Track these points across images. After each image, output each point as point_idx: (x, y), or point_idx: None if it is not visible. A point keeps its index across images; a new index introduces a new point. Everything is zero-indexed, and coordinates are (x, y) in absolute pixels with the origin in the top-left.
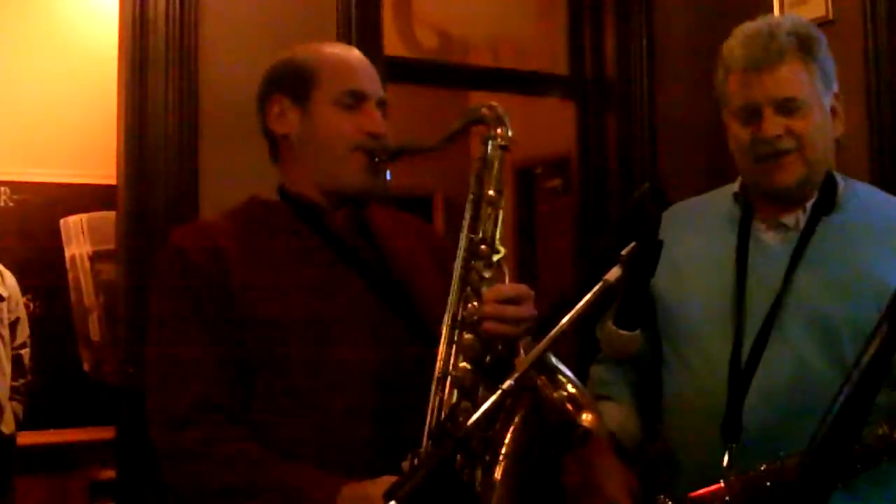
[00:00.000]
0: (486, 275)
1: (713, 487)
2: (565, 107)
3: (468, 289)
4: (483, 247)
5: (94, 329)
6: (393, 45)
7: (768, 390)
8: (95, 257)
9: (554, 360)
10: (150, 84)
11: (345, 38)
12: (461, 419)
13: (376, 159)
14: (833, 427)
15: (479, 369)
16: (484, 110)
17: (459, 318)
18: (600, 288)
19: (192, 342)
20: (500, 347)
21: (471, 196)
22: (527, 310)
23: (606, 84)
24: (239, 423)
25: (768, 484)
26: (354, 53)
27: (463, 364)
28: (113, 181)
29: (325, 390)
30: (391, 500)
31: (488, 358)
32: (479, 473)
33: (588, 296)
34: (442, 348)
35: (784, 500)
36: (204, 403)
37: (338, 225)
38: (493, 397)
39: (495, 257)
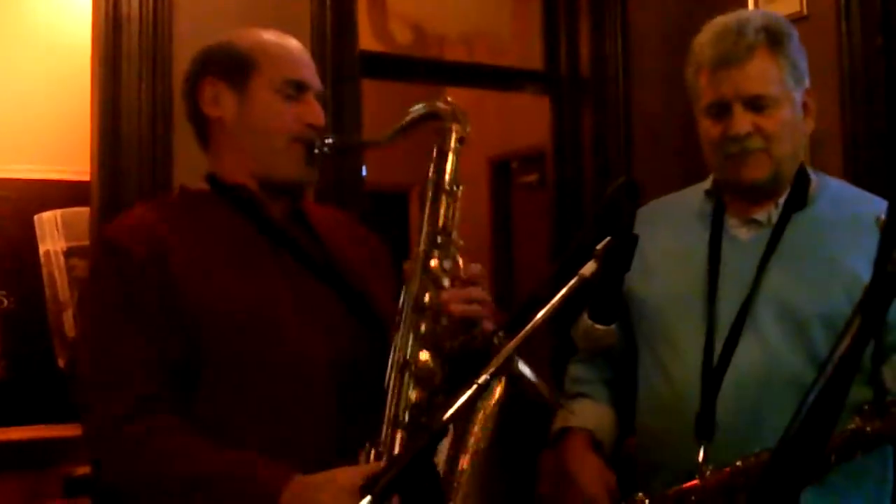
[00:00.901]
0: (447, 265)
1: (689, 484)
2: (540, 102)
3: (428, 277)
4: (441, 238)
5: (69, 325)
6: (367, 39)
7: (741, 386)
8: (69, 253)
9: (525, 368)
10: (124, 80)
11: (319, 33)
12: (437, 412)
13: (316, 151)
14: (806, 421)
15: (439, 357)
16: (439, 105)
17: (421, 305)
18: (575, 283)
19: (131, 340)
20: (460, 336)
21: (430, 188)
22: (483, 289)
23: (581, 79)
24: (183, 418)
25: (743, 480)
26: (294, 43)
27: (423, 353)
28: (87, 177)
29: (278, 384)
30: (367, 493)
31: (448, 346)
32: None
33: (563, 290)
34: (401, 336)
35: (759, 495)
36: (145, 400)
37: (276, 216)
38: (469, 391)
39: (453, 249)
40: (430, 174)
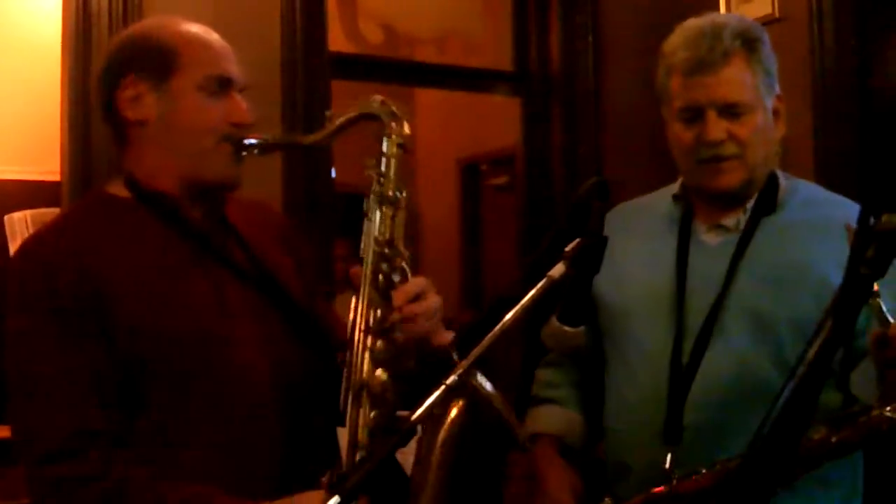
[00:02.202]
0: (395, 278)
1: (656, 490)
2: (511, 103)
3: (377, 293)
4: (387, 250)
5: None
6: (337, 40)
7: (709, 390)
8: None
9: (485, 382)
10: (94, 79)
11: (289, 33)
12: (405, 414)
13: (244, 153)
14: (776, 426)
15: (393, 376)
16: (375, 105)
17: (371, 324)
18: (544, 284)
19: (60, 364)
20: (413, 353)
21: (371, 197)
22: (432, 301)
23: (552, 80)
24: (123, 447)
25: (712, 487)
26: (215, 36)
27: (379, 371)
28: (57, 177)
29: (222, 398)
30: (335, 493)
31: (404, 365)
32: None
33: (532, 292)
34: (356, 356)
35: (729, 501)
36: (81, 432)
37: (199, 221)
38: (437, 392)
39: (399, 260)
40: (372, 183)
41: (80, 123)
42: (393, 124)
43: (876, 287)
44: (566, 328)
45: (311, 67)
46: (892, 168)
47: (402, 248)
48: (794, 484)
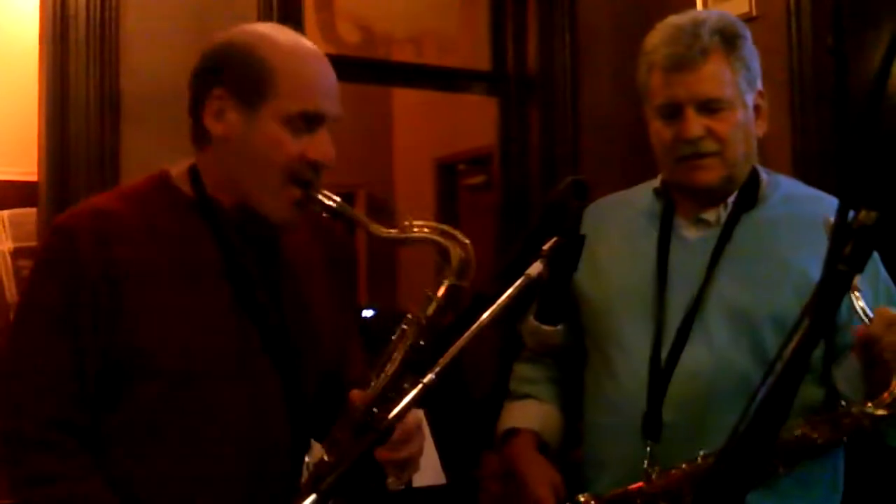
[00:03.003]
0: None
1: (634, 486)
2: (488, 103)
3: (363, 427)
4: (391, 393)
5: None
6: (314, 40)
7: (688, 386)
8: (17, 254)
9: None
10: (72, 79)
11: None
12: (382, 412)
13: (310, 204)
14: (753, 421)
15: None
16: (454, 250)
17: (362, 421)
18: (521, 283)
19: (56, 346)
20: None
21: (407, 343)
22: (417, 445)
23: (529, 80)
24: (89, 450)
25: (689, 483)
26: (323, 66)
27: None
28: (34, 177)
29: (191, 442)
30: (313, 492)
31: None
32: None
33: (509, 291)
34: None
35: (706, 496)
36: (55, 423)
37: (242, 243)
38: (414, 391)
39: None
40: (411, 324)
41: (57, 124)
42: (454, 272)
43: (856, 283)
44: (544, 327)
45: None
46: (869, 165)
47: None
48: (774, 483)
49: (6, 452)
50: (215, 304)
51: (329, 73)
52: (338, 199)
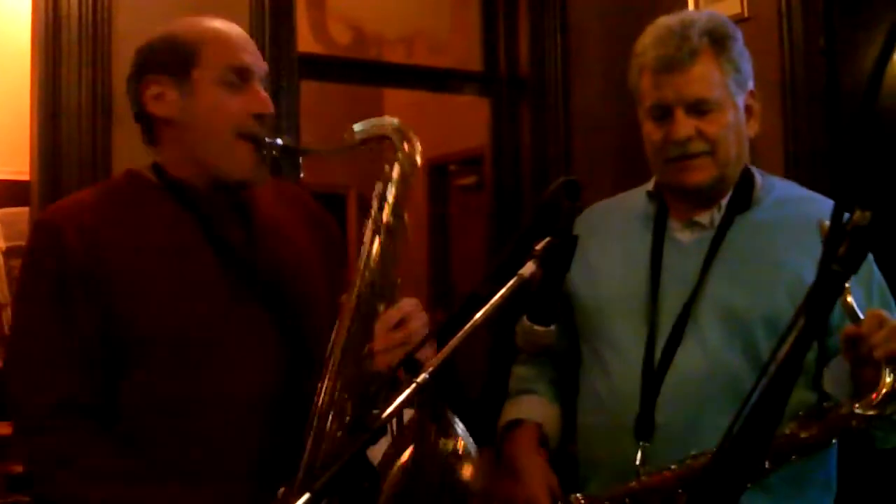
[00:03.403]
0: (381, 308)
1: (625, 486)
2: (479, 103)
3: (361, 321)
4: (378, 278)
5: (8, 324)
6: (306, 41)
7: (681, 387)
8: (9, 253)
9: (449, 414)
10: (64, 79)
11: (258, 33)
12: (375, 411)
13: (264, 152)
14: (747, 423)
15: (360, 403)
16: (389, 128)
17: (347, 350)
18: (514, 283)
19: (58, 332)
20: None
21: (371, 224)
22: (414, 326)
23: (520, 81)
24: (105, 430)
25: (681, 483)
26: (235, 28)
27: (347, 398)
28: (26, 177)
29: (198, 413)
30: (306, 491)
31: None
32: None
33: (502, 291)
34: (327, 380)
35: (699, 497)
36: (68, 404)
37: (217, 213)
38: (407, 391)
39: (389, 289)
40: (373, 208)
41: (49, 124)
42: (405, 147)
43: (847, 284)
44: (537, 327)
45: (279, 68)
46: (862, 166)
47: (392, 274)
48: (766, 483)
49: (23, 438)
50: (203, 272)
51: (245, 35)
52: (286, 137)
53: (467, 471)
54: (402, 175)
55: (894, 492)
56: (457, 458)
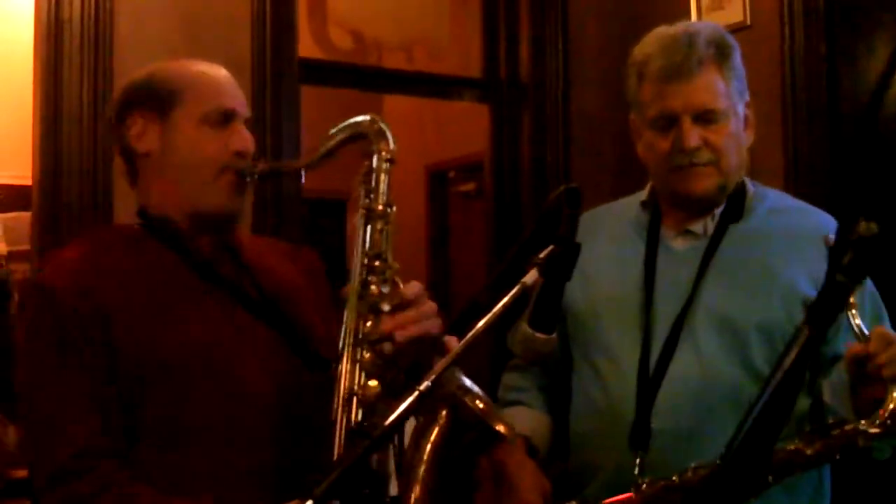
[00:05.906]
0: (385, 290)
1: (623, 496)
2: (479, 110)
3: (366, 305)
4: (377, 262)
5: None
6: (307, 46)
7: (677, 396)
8: (10, 257)
9: (466, 380)
10: (66, 84)
11: (259, 38)
12: (377, 419)
13: (247, 178)
14: (749, 434)
15: (384, 385)
16: (361, 123)
17: (360, 335)
18: (517, 291)
19: (66, 381)
20: (404, 361)
21: (361, 212)
22: (424, 308)
23: (521, 87)
24: (127, 467)
25: (679, 494)
26: (222, 72)
27: (370, 382)
28: (28, 181)
29: (221, 430)
30: (309, 498)
31: (391, 376)
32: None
33: (505, 299)
34: (345, 367)
35: None
36: (88, 451)
37: (205, 251)
38: (410, 398)
39: (389, 272)
40: (361, 198)
41: (51, 128)
42: (381, 141)
43: (853, 299)
44: (538, 335)
45: (280, 73)
46: (862, 175)
47: (391, 260)
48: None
49: (46, 490)
50: (198, 299)
51: (230, 79)
52: (262, 162)
53: (501, 426)
54: (382, 165)
55: (888, 498)
56: (488, 415)
